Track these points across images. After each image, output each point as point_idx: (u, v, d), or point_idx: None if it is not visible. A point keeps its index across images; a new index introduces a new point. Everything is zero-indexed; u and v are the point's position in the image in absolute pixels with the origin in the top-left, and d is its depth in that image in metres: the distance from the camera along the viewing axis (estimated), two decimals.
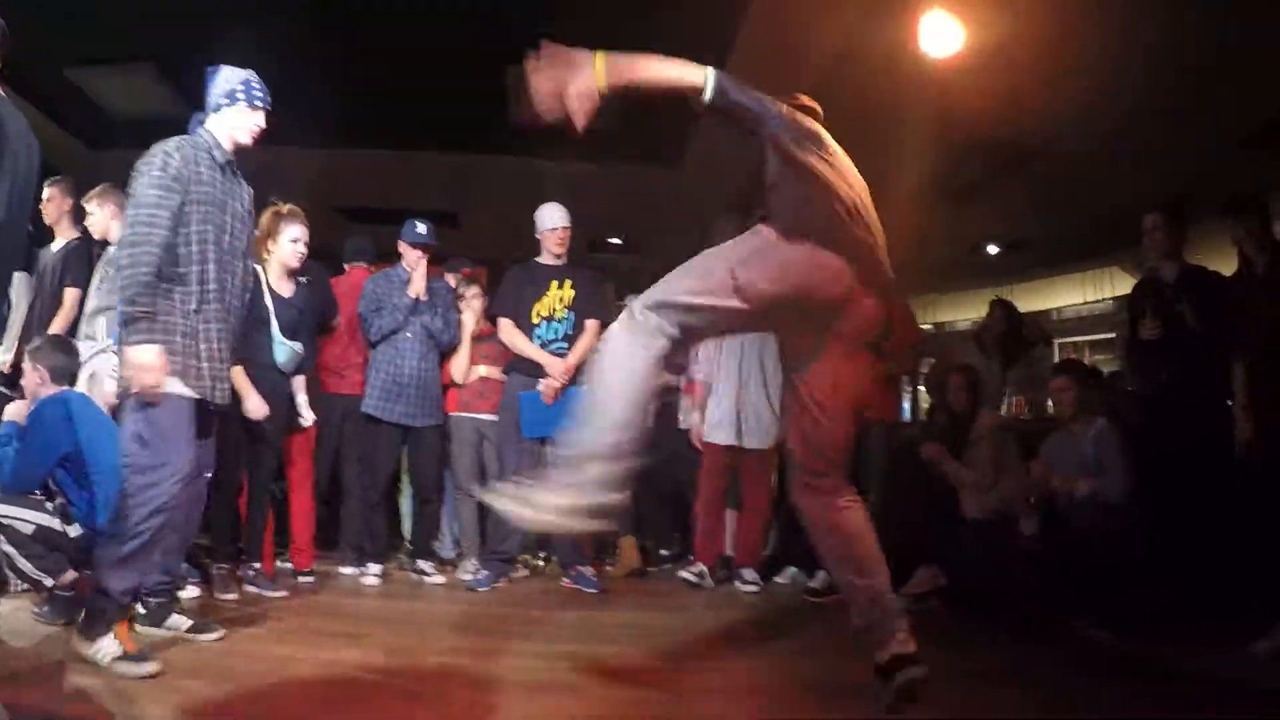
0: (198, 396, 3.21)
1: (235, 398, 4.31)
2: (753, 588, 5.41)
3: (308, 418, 4.87)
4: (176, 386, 3.13)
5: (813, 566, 5.47)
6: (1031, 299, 11.57)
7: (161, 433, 3.10)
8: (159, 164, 3.14)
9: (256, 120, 3.43)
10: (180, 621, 3.48)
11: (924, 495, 5.33)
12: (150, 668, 2.98)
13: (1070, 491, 4.71)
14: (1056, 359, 11.51)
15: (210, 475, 3.58)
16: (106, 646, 2.98)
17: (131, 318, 3.06)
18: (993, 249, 10.91)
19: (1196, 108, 6.25)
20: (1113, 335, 11.12)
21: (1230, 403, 4.31)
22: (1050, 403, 4.98)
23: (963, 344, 8.25)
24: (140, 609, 3.39)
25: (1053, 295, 12.08)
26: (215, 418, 3.48)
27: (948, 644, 4.29)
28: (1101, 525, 4.49)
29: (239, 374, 4.29)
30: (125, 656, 2.98)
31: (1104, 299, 11.40)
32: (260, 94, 3.45)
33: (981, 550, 4.84)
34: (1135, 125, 6.55)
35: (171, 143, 3.22)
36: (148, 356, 3.05)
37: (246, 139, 3.42)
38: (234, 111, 3.39)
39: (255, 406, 4.38)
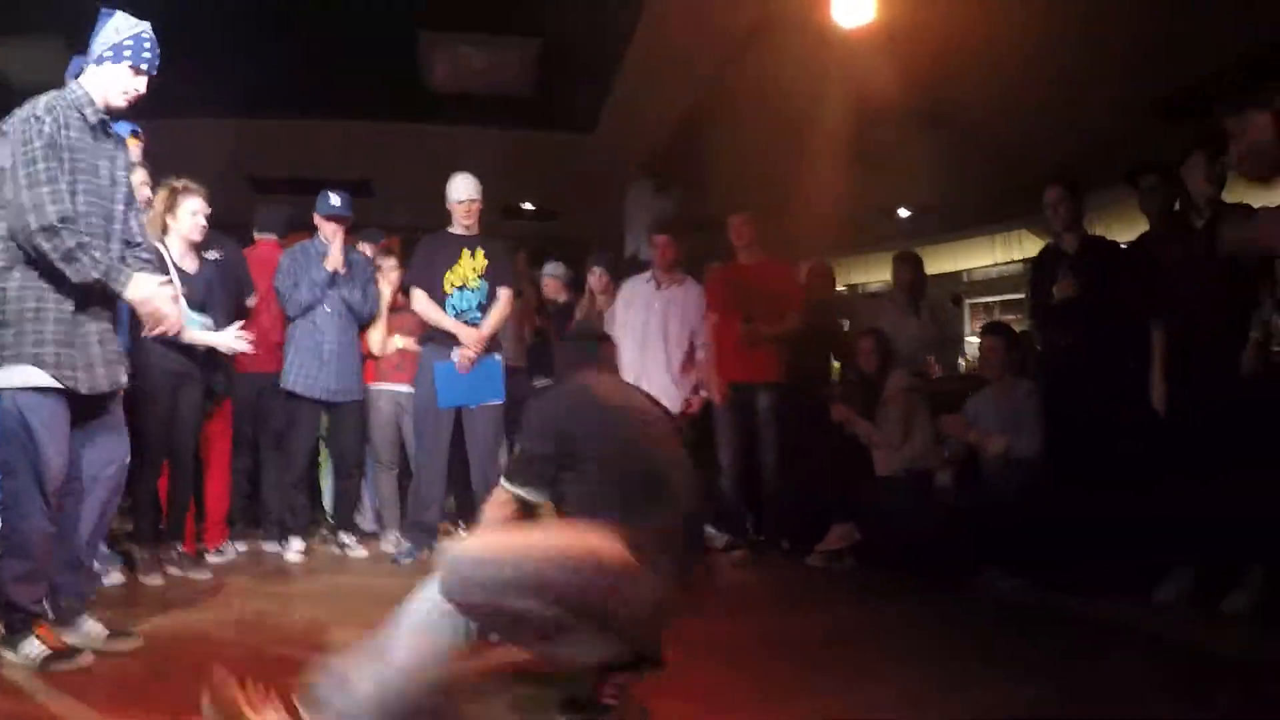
0: (79, 389, 3.02)
1: (157, 371, 4.27)
2: None
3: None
4: (40, 377, 2.94)
5: (723, 528, 5.62)
6: (942, 261, 11.84)
7: (29, 434, 2.92)
8: (34, 130, 2.91)
9: (137, 85, 3.16)
10: (96, 630, 3.21)
11: (836, 454, 5.47)
12: (83, 660, 2.94)
13: (985, 447, 4.86)
14: (966, 320, 11.86)
15: (126, 462, 3.37)
16: (33, 650, 2.90)
17: (104, 272, 2.94)
18: (904, 212, 11.13)
19: (1105, 73, 6.43)
20: (1021, 296, 11.43)
21: (1129, 365, 4.45)
22: (979, 362, 5.10)
23: (873, 306, 8.43)
24: (50, 612, 3.15)
25: (963, 257, 12.36)
26: (117, 403, 3.29)
27: (861, 599, 4.46)
28: (1015, 481, 4.66)
29: (190, 333, 4.15)
30: (55, 655, 2.91)
31: (1013, 261, 11.70)
32: (149, 56, 3.16)
33: (893, 507, 4.98)
34: (1044, 90, 6.71)
35: (41, 104, 2.98)
36: (145, 286, 3.02)
37: (121, 102, 3.15)
38: (115, 70, 3.11)
39: (229, 342, 4.34)
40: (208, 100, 7.00)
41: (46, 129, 2.93)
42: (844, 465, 5.39)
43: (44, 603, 3.06)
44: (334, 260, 5.15)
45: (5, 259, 2.97)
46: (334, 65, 6.98)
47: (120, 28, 3.16)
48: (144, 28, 3.19)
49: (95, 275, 2.93)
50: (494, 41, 6.77)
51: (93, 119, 3.10)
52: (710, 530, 5.77)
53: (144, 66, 3.16)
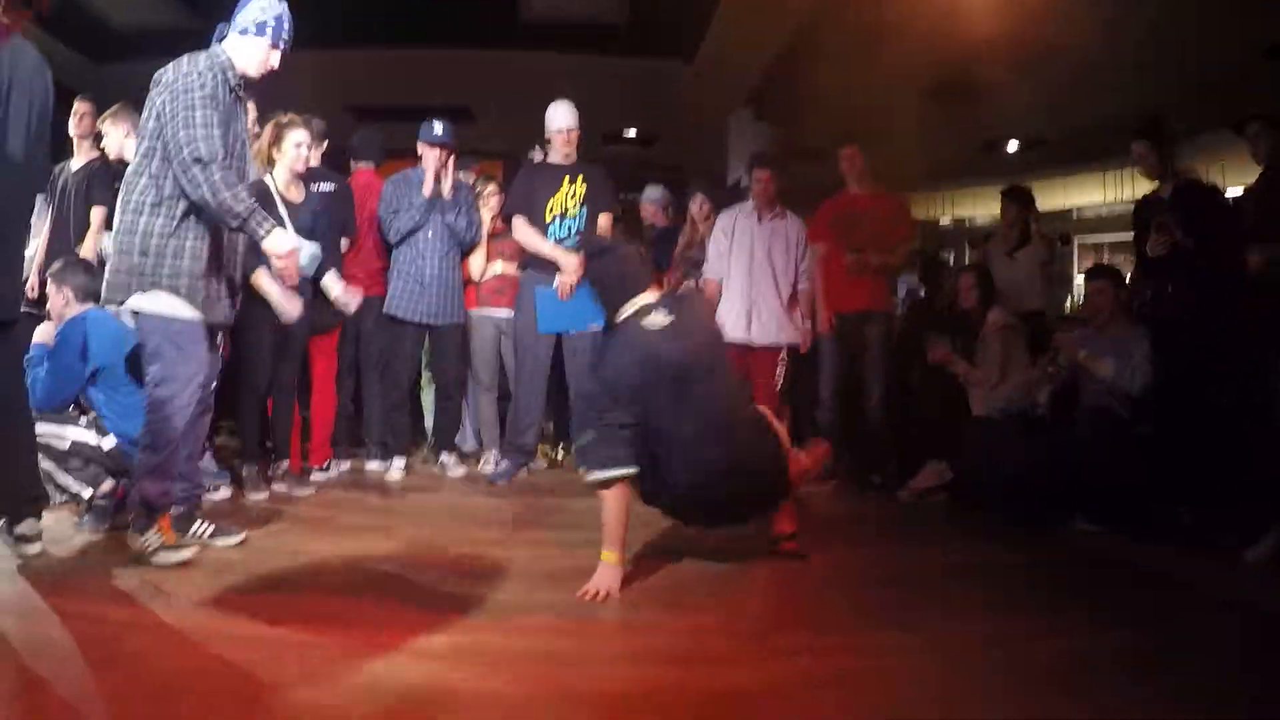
0: (210, 320, 3.32)
1: (262, 303, 4.41)
2: None
3: (350, 302, 4.81)
4: (182, 306, 3.21)
5: None
6: (1050, 197, 11.48)
7: (178, 349, 3.21)
8: (198, 83, 3.16)
9: (273, 60, 3.42)
10: (202, 527, 3.58)
11: (933, 392, 5.40)
12: (186, 554, 3.25)
13: (1094, 369, 4.72)
14: (1075, 260, 11.53)
15: (214, 386, 3.65)
16: (150, 539, 3.22)
17: (249, 212, 3.15)
18: (1012, 146, 10.81)
19: (1220, 12, 6.14)
20: (1130, 236, 11.04)
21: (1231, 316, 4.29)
22: (1084, 306, 4.96)
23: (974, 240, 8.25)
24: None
25: (1072, 194, 11.98)
26: (220, 332, 3.60)
27: (948, 538, 4.43)
28: (1113, 425, 4.54)
29: (262, 276, 4.33)
30: (165, 547, 3.23)
31: (1123, 200, 11.30)
32: (287, 35, 3.44)
33: (987, 447, 4.91)
34: (1156, 26, 6.44)
35: (202, 62, 3.23)
36: (285, 242, 3.23)
37: (255, 73, 3.41)
38: (256, 43, 3.37)
39: (287, 309, 4.42)
40: (306, 31, 7.11)
41: (210, 83, 3.19)
42: (940, 402, 5.32)
43: (170, 498, 3.37)
44: (429, 186, 5.20)
45: (154, 195, 3.21)
46: None
47: (265, 6, 3.40)
48: (284, 8, 3.46)
49: (239, 210, 3.14)
50: None
51: (233, 81, 3.34)
52: None
53: (281, 44, 3.43)
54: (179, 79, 3.17)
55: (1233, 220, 4.51)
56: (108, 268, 3.29)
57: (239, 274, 3.61)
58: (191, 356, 3.25)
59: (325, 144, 5.39)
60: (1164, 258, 4.48)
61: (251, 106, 4.32)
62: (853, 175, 5.55)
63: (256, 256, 4.30)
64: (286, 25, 3.44)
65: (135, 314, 3.25)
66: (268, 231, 3.18)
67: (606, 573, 3.13)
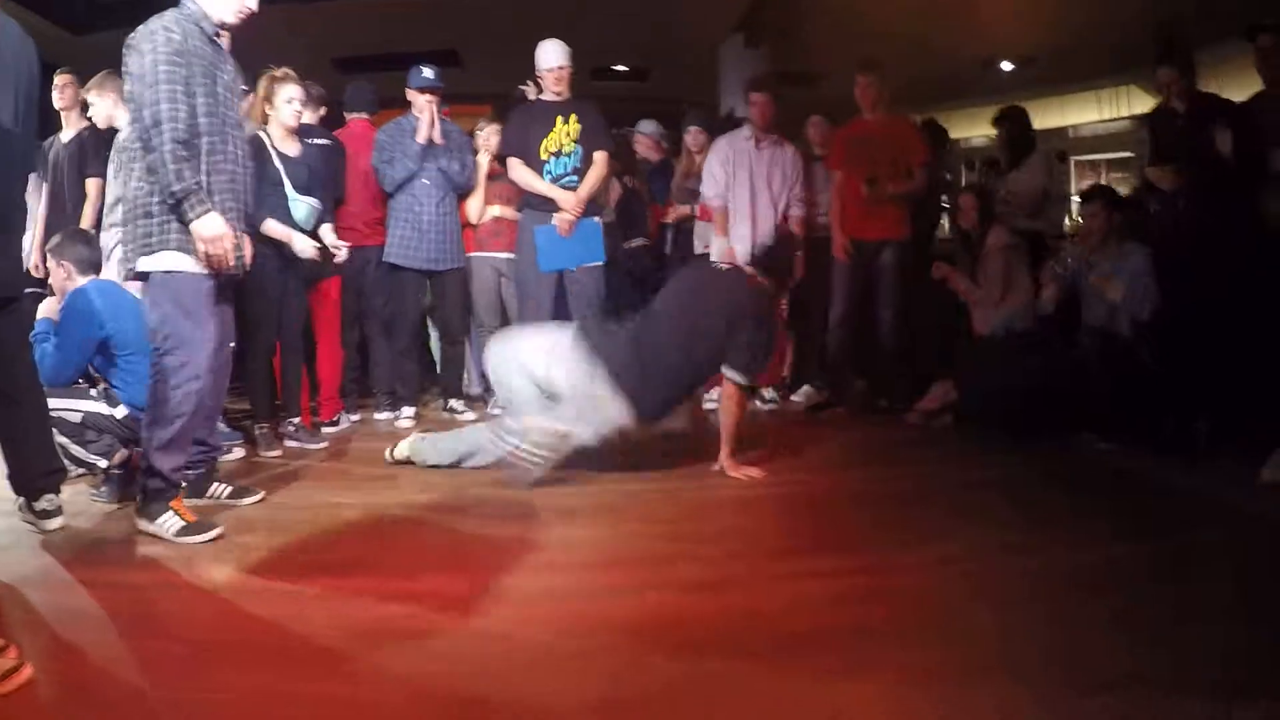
0: (214, 272, 3.19)
1: (262, 261, 4.41)
2: (771, 405, 5.66)
3: (341, 246, 4.77)
4: (192, 265, 3.12)
5: (824, 385, 5.67)
6: (1046, 116, 11.37)
7: (184, 313, 3.12)
8: (162, 39, 3.03)
9: (249, 3, 3.26)
10: (220, 489, 3.57)
11: (937, 313, 5.40)
12: (214, 533, 3.10)
13: (1104, 291, 4.70)
14: (1072, 178, 11.45)
15: (234, 345, 3.61)
16: (169, 521, 3.09)
17: (185, 191, 3.02)
18: (1006, 65, 10.67)
19: None
20: (1129, 155, 10.97)
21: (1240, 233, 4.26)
22: (1080, 231, 4.94)
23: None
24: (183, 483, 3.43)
25: (1068, 113, 11.86)
26: (231, 288, 3.48)
27: (952, 458, 4.46)
28: (1120, 343, 4.54)
29: (272, 225, 4.39)
30: (188, 528, 3.09)
31: (1120, 117, 11.19)
32: None
33: (991, 366, 4.93)
34: None
35: (168, 17, 3.10)
36: (215, 225, 3.06)
37: (233, 19, 3.25)
38: None
39: (302, 245, 4.47)
40: None
41: (176, 38, 3.06)
42: (944, 323, 5.33)
43: (182, 473, 3.26)
44: (424, 132, 5.16)
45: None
46: None
47: None
48: None
49: (176, 188, 3.01)
50: None
51: (209, 31, 3.21)
52: (807, 388, 5.86)
53: None
54: (144, 39, 3.06)
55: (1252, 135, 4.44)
56: (120, 239, 3.24)
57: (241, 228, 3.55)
58: (204, 319, 3.16)
59: (323, 109, 5.38)
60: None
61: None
62: (867, 103, 5.51)
63: (261, 208, 4.33)
64: None
65: (144, 278, 3.18)
66: (199, 215, 3.03)
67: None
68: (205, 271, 3.14)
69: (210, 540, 3.06)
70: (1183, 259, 4.43)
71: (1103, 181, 11.16)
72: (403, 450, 4.14)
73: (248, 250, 3.60)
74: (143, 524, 3.12)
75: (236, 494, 3.56)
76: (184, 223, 3.06)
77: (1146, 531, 3.14)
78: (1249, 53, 4.52)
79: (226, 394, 3.70)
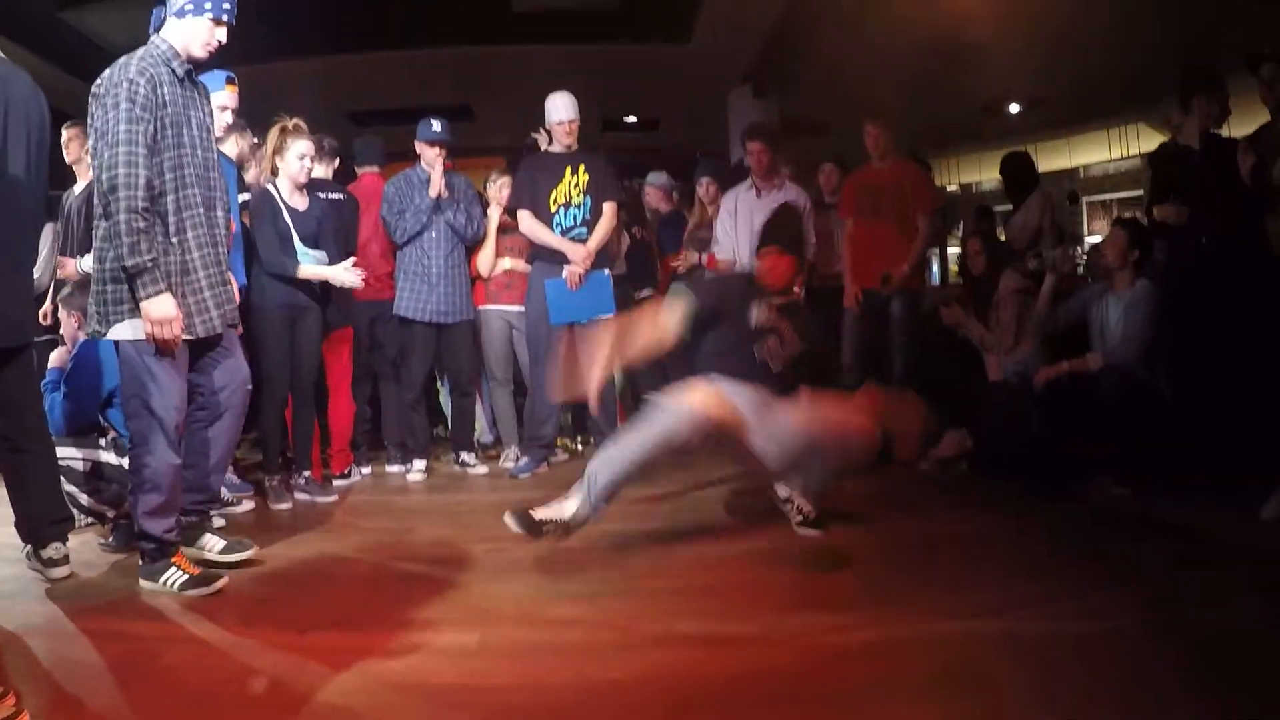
0: (196, 334, 3.13)
1: (274, 312, 4.46)
2: None
3: (354, 275, 4.65)
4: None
5: None
6: (1056, 158, 11.42)
7: (152, 380, 3.03)
8: (126, 93, 2.92)
9: (218, 35, 3.14)
10: (213, 543, 3.41)
11: (950, 360, 5.38)
12: (220, 584, 3.07)
13: (1083, 368, 4.67)
14: (1084, 219, 11.46)
15: (248, 386, 3.50)
16: (172, 576, 3.05)
17: (138, 269, 2.92)
18: (1014, 108, 10.72)
19: None
20: (1139, 193, 10.98)
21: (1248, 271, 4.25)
22: (1102, 248, 4.92)
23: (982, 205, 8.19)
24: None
25: (1078, 154, 11.90)
26: (232, 334, 3.39)
27: (969, 506, 4.42)
28: (1123, 388, 4.49)
29: (307, 268, 4.46)
30: (192, 580, 3.05)
31: (1130, 156, 11.22)
32: (229, 6, 3.15)
33: (1005, 413, 4.89)
34: None
35: (133, 65, 2.99)
36: (165, 308, 2.95)
37: (201, 53, 3.15)
38: (197, 22, 3.11)
39: (341, 276, 4.52)
40: (300, 41, 7.10)
41: (142, 91, 2.96)
42: (957, 370, 5.30)
43: (177, 532, 3.20)
44: (436, 186, 5.20)
45: None
46: None
47: None
48: None
49: (129, 263, 2.92)
50: None
51: (180, 72, 3.13)
52: None
53: (224, 18, 3.15)
54: (108, 91, 2.96)
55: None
56: (90, 298, 3.11)
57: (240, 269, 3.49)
58: (170, 386, 3.05)
59: (337, 161, 5.43)
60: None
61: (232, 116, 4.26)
62: (876, 151, 5.54)
63: (279, 258, 4.40)
64: None
65: (115, 344, 3.10)
66: (150, 295, 2.93)
67: None
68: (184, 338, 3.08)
69: (215, 592, 3.04)
70: (1196, 296, 4.43)
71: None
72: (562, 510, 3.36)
73: (321, 271, 3.65)
74: (147, 585, 3.09)
75: (229, 549, 3.41)
76: (134, 299, 2.97)
77: (1157, 575, 3.11)
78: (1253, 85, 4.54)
79: (242, 445, 3.70)
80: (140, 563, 3.14)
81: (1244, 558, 3.34)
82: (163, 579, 3.06)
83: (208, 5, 3.10)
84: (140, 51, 3.07)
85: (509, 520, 3.25)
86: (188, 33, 3.12)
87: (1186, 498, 3.99)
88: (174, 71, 3.10)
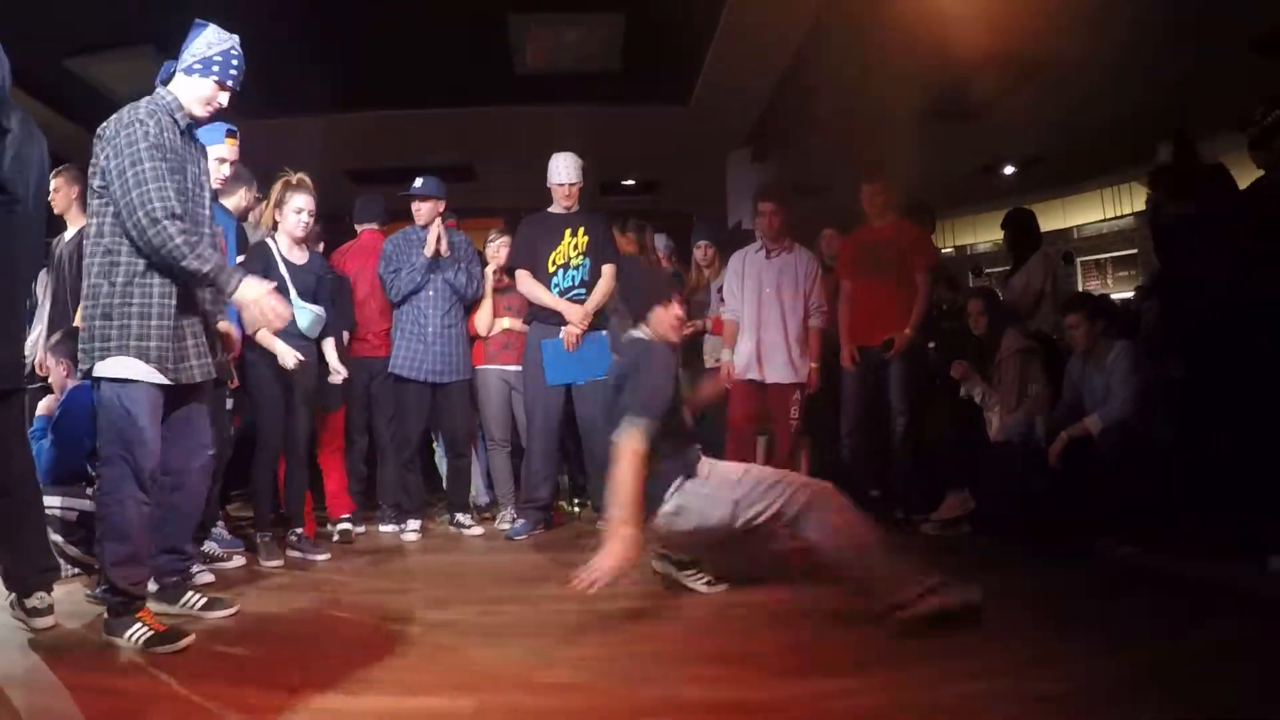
0: (178, 380, 3.14)
1: (270, 366, 4.42)
2: None
3: (340, 371, 4.84)
4: (146, 372, 3.06)
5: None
6: (1050, 218, 11.50)
7: (132, 423, 3.03)
8: (140, 132, 3.03)
9: (220, 99, 3.27)
10: (194, 599, 3.42)
11: (951, 420, 5.35)
12: (185, 642, 3.00)
13: (1083, 432, 4.68)
14: (1079, 278, 11.53)
15: (211, 452, 3.49)
16: (137, 632, 3.00)
17: (216, 271, 3.05)
18: (1009, 169, 10.83)
19: (1202, 11, 6.17)
20: (1133, 252, 11.06)
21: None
22: (1068, 338, 4.95)
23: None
24: (154, 587, 3.34)
25: (1071, 214, 12.00)
26: (204, 394, 3.39)
27: (972, 568, 4.35)
28: (1118, 448, 4.48)
29: (265, 335, 4.36)
30: (157, 637, 2.99)
31: (1124, 215, 11.31)
32: (235, 73, 3.27)
33: (1007, 473, 4.87)
34: (1141, 34, 6.46)
35: (142, 109, 3.10)
36: (255, 289, 3.10)
37: (202, 112, 3.26)
38: (201, 83, 3.23)
39: (285, 353, 4.41)
40: (302, 98, 7.16)
41: (151, 131, 3.06)
42: (960, 431, 5.27)
43: (145, 585, 3.17)
44: (431, 245, 5.20)
45: (109, 257, 3.09)
46: (425, 54, 7.07)
47: (212, 42, 3.26)
48: (233, 43, 3.29)
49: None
50: (581, 19, 6.78)
51: (181, 124, 3.23)
52: None
53: (229, 82, 3.27)
54: (120, 133, 3.04)
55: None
56: (81, 337, 3.14)
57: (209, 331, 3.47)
58: (146, 429, 3.04)
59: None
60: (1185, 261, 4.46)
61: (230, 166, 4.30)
62: (874, 210, 5.55)
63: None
64: (235, 61, 3.27)
65: (96, 382, 3.09)
66: (237, 284, 3.08)
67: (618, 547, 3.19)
68: (160, 381, 3.08)
69: (181, 649, 2.97)
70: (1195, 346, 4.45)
71: (1109, 280, 11.32)
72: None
73: (269, 340, 3.81)
74: (112, 639, 3.03)
75: (210, 605, 3.41)
76: (224, 294, 3.12)
77: (1169, 632, 3.09)
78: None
79: (234, 500, 3.66)
80: (105, 616, 3.08)
81: (1255, 611, 3.32)
82: (127, 634, 3.00)
83: (215, 68, 3.23)
84: (146, 99, 3.17)
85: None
86: (193, 90, 3.25)
87: (1193, 553, 4.01)
88: (176, 122, 3.20)
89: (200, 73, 3.23)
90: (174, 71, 3.27)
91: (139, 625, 3.01)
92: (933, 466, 5.33)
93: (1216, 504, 4.18)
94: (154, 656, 2.92)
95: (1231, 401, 4.17)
